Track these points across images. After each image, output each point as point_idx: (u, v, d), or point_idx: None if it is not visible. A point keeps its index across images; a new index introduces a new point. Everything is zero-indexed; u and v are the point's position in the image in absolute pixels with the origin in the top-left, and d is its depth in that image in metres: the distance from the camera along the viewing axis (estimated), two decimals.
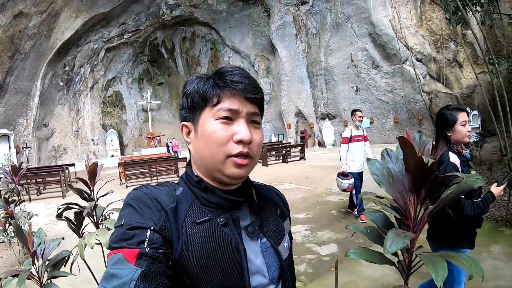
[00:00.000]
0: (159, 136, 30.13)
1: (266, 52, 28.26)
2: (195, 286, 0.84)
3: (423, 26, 20.99)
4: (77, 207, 2.87)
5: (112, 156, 27.39)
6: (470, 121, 17.71)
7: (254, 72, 28.48)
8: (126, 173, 14.13)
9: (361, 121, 6.80)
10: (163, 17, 27.89)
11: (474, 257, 1.34)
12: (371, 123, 23.26)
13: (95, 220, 3.01)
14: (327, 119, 25.26)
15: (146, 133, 30.99)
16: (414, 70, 18.74)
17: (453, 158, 2.61)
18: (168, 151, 25.98)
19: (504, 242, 5.19)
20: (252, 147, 0.94)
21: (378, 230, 1.51)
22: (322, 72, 25.04)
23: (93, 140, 28.21)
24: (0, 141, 20.69)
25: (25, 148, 21.65)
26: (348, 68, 23.64)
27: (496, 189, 2.54)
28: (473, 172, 2.68)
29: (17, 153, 21.22)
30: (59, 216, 2.82)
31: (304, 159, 18.18)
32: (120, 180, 14.28)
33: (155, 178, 14.50)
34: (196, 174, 0.99)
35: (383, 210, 1.52)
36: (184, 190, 0.97)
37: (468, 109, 17.93)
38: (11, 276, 2.58)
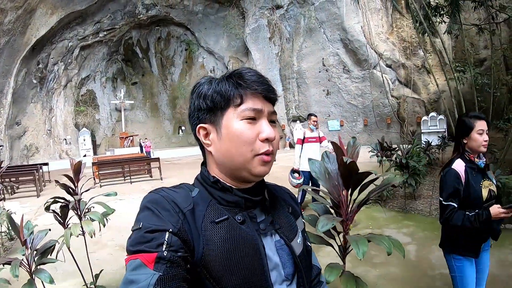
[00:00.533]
0: (132, 136, 30.04)
1: (240, 54, 28.58)
2: (219, 284, 0.85)
3: (393, 34, 21.66)
4: (62, 201, 3.15)
5: (85, 155, 26.95)
6: (436, 125, 18.41)
7: None
8: (100, 172, 14.19)
9: (315, 125, 7.54)
10: (139, 17, 27.92)
11: (395, 239, 1.70)
12: (341, 125, 23.85)
13: (79, 213, 3.31)
14: (298, 122, 25.59)
15: (119, 133, 30.76)
16: (383, 76, 19.23)
17: (457, 165, 2.61)
18: (141, 151, 25.80)
19: None
20: (273, 144, 0.97)
21: (318, 217, 1.86)
22: (294, 76, 25.59)
23: (65, 139, 27.91)
24: None
25: None
26: (319, 72, 24.21)
27: (495, 210, 2.39)
28: (486, 182, 2.63)
29: None
30: (47, 208, 3.10)
31: (275, 160, 18.34)
32: (94, 179, 14.25)
33: (129, 178, 14.56)
34: (212, 175, 1.00)
35: (323, 202, 1.88)
36: (200, 191, 0.98)
37: (435, 114, 18.66)
38: (2, 265, 2.85)
